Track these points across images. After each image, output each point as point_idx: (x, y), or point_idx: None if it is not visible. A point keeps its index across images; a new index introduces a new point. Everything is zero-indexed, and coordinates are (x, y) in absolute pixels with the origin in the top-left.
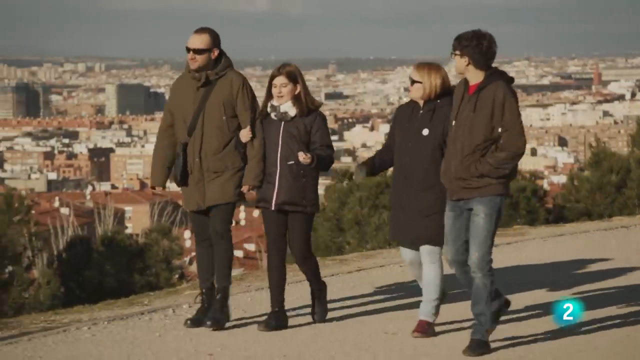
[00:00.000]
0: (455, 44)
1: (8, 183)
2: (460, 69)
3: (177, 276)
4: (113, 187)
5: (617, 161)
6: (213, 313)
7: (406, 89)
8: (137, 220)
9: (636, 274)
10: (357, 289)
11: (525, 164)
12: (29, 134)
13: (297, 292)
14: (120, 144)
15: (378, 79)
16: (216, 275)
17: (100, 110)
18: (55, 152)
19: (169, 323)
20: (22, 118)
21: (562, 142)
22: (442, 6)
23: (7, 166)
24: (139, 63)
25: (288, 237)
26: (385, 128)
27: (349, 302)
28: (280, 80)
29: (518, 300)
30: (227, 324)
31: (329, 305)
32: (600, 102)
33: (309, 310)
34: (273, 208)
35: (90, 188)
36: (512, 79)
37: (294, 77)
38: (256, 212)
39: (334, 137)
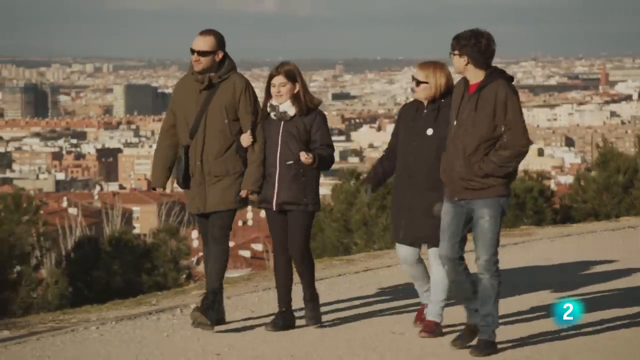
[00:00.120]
0: (454, 43)
1: (16, 183)
2: (459, 69)
3: (184, 276)
4: (121, 187)
5: (624, 161)
6: (202, 312)
7: (413, 90)
8: (145, 221)
9: None
10: (364, 289)
11: (532, 164)
12: (37, 135)
13: None
14: (128, 145)
15: (385, 79)
16: (208, 276)
17: (108, 110)
18: (64, 152)
19: (176, 323)
20: (31, 118)
21: (569, 143)
22: (450, 6)
23: (15, 166)
24: (147, 63)
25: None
26: (392, 128)
27: (356, 302)
28: (278, 79)
29: (525, 300)
30: (236, 325)
31: (337, 306)
32: (607, 102)
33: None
34: (274, 208)
35: (98, 188)
36: (512, 78)
37: (293, 76)
38: (263, 213)
39: (341, 138)
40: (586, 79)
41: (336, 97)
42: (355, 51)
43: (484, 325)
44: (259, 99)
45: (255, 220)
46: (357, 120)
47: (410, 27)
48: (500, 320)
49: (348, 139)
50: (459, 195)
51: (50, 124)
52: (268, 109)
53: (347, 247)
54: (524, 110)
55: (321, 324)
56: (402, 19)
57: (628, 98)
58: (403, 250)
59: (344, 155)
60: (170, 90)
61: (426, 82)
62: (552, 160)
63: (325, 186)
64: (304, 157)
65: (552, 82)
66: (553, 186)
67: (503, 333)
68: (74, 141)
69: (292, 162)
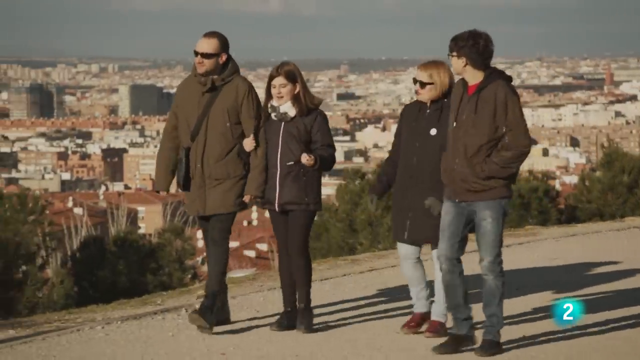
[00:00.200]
0: (452, 45)
1: (22, 183)
2: (458, 70)
3: (189, 276)
4: (126, 187)
5: (629, 161)
6: (199, 313)
7: (417, 92)
8: (150, 220)
9: None
10: (368, 289)
11: (537, 164)
12: (42, 135)
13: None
14: (133, 145)
15: (390, 79)
16: (208, 278)
17: (113, 110)
18: (69, 152)
19: (182, 323)
20: (36, 118)
21: (574, 143)
22: (453, 6)
23: (21, 166)
24: (152, 64)
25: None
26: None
27: (361, 302)
28: (279, 80)
29: (530, 300)
30: (241, 325)
31: (341, 306)
32: (612, 102)
33: (319, 310)
34: (277, 209)
35: (103, 188)
36: (511, 78)
37: (293, 76)
38: (268, 213)
39: (346, 138)
40: (591, 79)
41: (341, 97)
42: (360, 51)
43: (488, 326)
44: (261, 102)
45: (260, 220)
46: (362, 121)
47: (415, 27)
48: (505, 321)
49: (353, 139)
50: (460, 197)
51: (55, 124)
52: (269, 110)
53: (352, 247)
54: (528, 110)
55: (311, 330)
56: (407, 19)
57: (633, 98)
58: (404, 248)
59: (348, 156)
60: (175, 91)
61: (431, 83)
62: (557, 160)
63: (330, 186)
64: (306, 159)
65: (557, 82)
66: (558, 186)
67: (508, 333)
68: (80, 141)
69: (292, 162)
